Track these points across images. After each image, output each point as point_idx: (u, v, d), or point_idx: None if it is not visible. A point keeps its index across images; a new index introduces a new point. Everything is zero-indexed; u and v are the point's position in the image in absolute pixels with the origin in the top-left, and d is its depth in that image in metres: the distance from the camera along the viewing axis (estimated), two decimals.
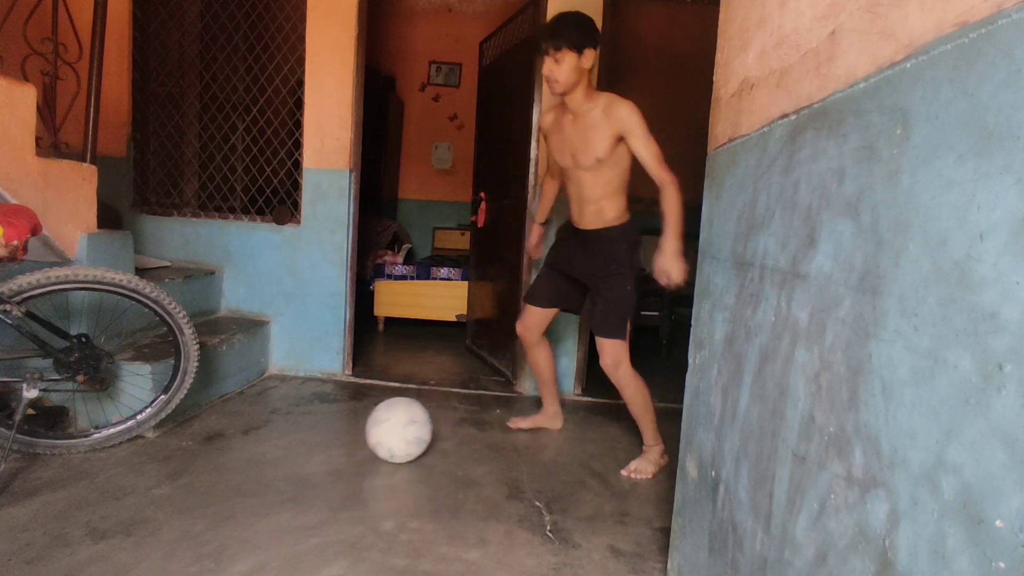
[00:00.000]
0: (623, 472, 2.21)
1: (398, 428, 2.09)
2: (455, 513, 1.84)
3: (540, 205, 2.58)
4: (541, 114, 2.33)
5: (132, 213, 3.23)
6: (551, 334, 3.12)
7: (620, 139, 2.10)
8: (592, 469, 2.25)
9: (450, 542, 1.68)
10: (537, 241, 2.60)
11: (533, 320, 2.45)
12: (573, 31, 2.03)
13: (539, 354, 2.51)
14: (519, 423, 2.62)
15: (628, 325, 2.25)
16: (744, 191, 1.12)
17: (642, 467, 2.22)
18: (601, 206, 2.23)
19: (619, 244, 2.25)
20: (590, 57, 2.06)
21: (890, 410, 0.64)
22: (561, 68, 2.04)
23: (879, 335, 0.66)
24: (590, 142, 2.12)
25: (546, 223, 2.62)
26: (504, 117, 3.45)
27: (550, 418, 2.63)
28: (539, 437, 2.55)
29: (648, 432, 2.28)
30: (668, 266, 1.99)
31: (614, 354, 2.21)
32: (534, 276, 3.10)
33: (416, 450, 2.14)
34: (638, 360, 4.01)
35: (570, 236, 2.37)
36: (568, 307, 2.49)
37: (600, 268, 2.26)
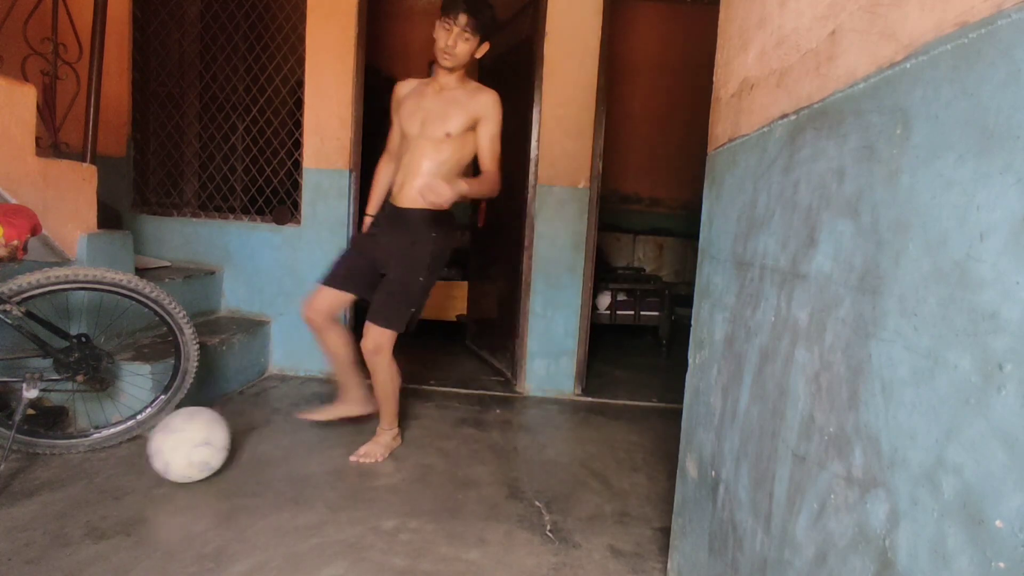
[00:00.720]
0: (352, 458, 2.14)
1: (186, 445, 1.82)
2: (455, 513, 1.84)
3: (373, 192, 2.34)
4: (397, 84, 2.25)
5: (132, 213, 3.23)
6: (550, 333, 3.13)
7: (473, 127, 2.13)
8: (592, 469, 2.25)
9: (450, 542, 1.68)
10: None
11: (322, 303, 2.17)
12: (490, 20, 2.07)
13: (330, 338, 2.22)
14: (313, 416, 2.38)
15: (408, 318, 2.14)
16: (744, 191, 1.12)
17: (372, 450, 2.17)
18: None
19: (430, 231, 2.14)
20: (484, 49, 2.12)
21: (890, 410, 0.64)
22: (464, 46, 2.05)
23: (879, 335, 0.66)
24: (447, 115, 2.11)
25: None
26: (504, 117, 3.44)
27: (355, 404, 2.37)
28: (539, 437, 2.56)
29: (387, 417, 2.25)
30: (439, 187, 1.95)
31: (378, 341, 2.09)
32: (534, 273, 3.10)
33: (197, 475, 1.87)
34: (638, 360, 4.00)
35: (381, 217, 2.26)
36: (362, 293, 2.22)
37: (402, 250, 2.13)
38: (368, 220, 2.30)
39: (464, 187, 2.02)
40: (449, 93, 2.13)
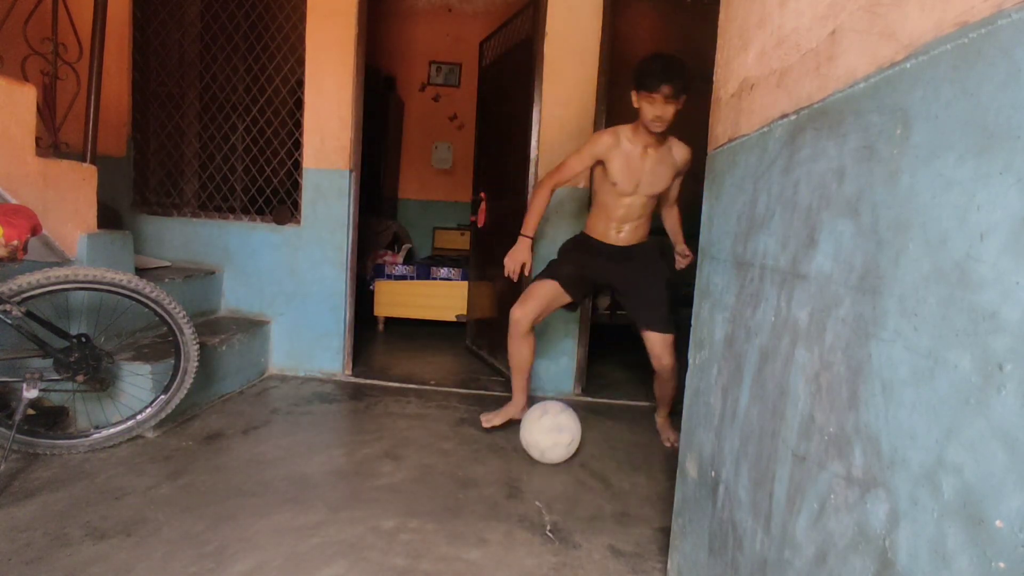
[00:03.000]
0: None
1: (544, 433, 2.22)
2: (455, 513, 1.84)
3: (532, 215, 2.37)
4: (601, 135, 2.33)
5: (132, 213, 3.23)
6: (550, 333, 3.13)
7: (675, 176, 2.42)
8: (592, 469, 2.25)
9: (450, 542, 1.68)
10: (529, 255, 2.37)
11: (540, 302, 2.37)
12: (686, 79, 2.15)
13: (525, 346, 2.43)
14: (492, 420, 2.53)
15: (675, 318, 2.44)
16: (744, 191, 1.12)
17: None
18: (641, 224, 2.46)
19: (655, 249, 2.52)
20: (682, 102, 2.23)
21: (890, 410, 0.64)
22: (672, 109, 2.17)
23: (879, 335, 0.66)
24: (662, 177, 2.34)
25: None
26: (504, 117, 3.45)
27: (521, 410, 2.56)
28: None
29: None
30: (684, 261, 2.60)
31: (670, 343, 2.40)
32: (534, 272, 3.10)
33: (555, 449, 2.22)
34: (638, 360, 4.00)
35: (599, 254, 2.48)
36: (578, 299, 2.52)
37: (645, 274, 2.46)
38: (527, 242, 2.36)
39: (680, 238, 2.62)
40: (655, 152, 2.31)
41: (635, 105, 2.21)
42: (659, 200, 2.47)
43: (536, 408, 2.28)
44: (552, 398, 3.08)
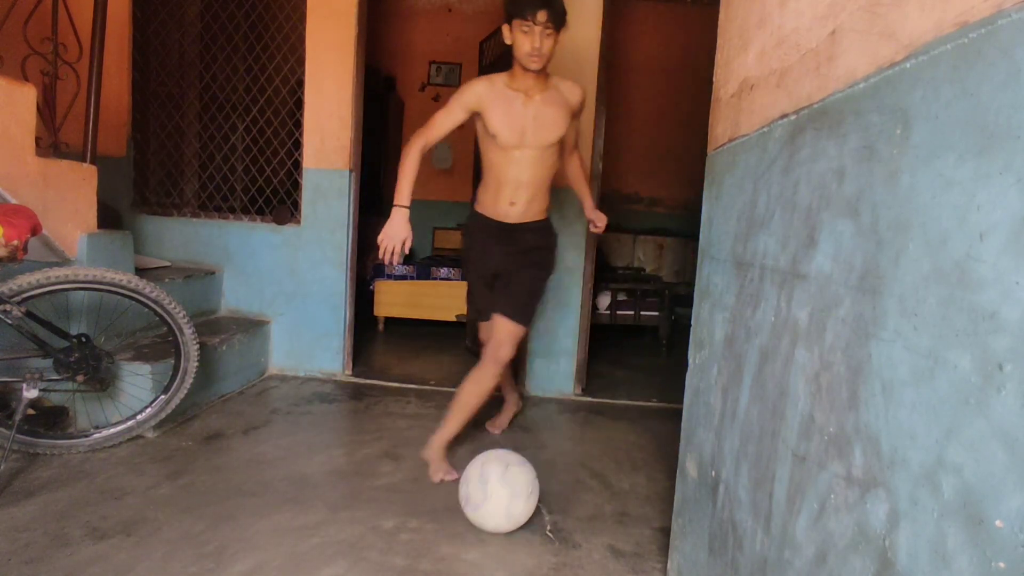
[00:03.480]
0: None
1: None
2: (455, 513, 1.84)
3: (403, 182, 1.98)
4: (473, 83, 2.03)
5: (132, 213, 3.23)
6: (550, 333, 3.13)
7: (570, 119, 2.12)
8: (592, 469, 2.25)
9: (450, 542, 1.68)
10: (407, 229, 1.95)
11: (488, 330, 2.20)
12: (563, 10, 1.94)
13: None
14: (500, 425, 2.55)
15: (534, 313, 2.21)
16: (744, 191, 1.12)
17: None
18: (539, 194, 2.13)
19: (550, 238, 2.24)
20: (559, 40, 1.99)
21: (890, 410, 0.64)
22: (549, 43, 1.93)
23: (879, 335, 0.66)
24: (554, 121, 2.04)
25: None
26: None
27: (516, 403, 2.70)
28: (539, 437, 2.55)
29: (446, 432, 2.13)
30: (596, 216, 2.36)
31: (515, 336, 2.09)
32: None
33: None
34: (638, 360, 3.98)
35: (490, 235, 2.15)
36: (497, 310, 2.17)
37: (530, 258, 2.17)
38: (403, 212, 1.96)
39: (587, 196, 2.39)
40: (542, 96, 2.03)
41: (508, 41, 1.97)
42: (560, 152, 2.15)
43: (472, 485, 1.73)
44: (553, 398, 3.08)
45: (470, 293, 2.31)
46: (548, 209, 2.20)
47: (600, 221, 2.35)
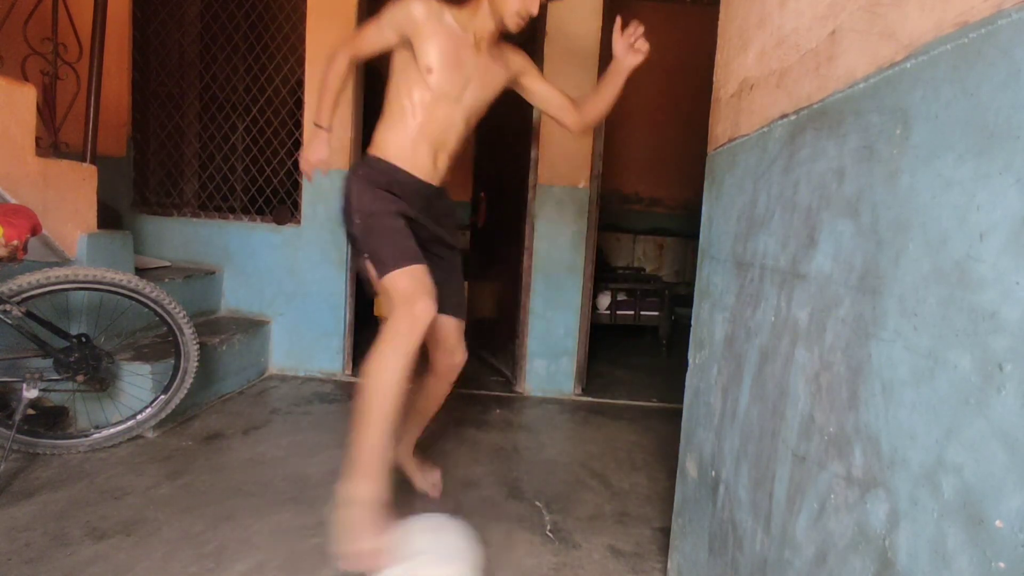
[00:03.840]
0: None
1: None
2: (455, 513, 1.84)
3: (328, 97, 1.72)
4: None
5: (132, 213, 3.23)
6: (550, 333, 3.13)
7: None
8: (592, 469, 2.25)
9: None
10: (325, 151, 1.74)
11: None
12: None
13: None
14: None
15: None
16: (744, 191, 1.12)
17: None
18: (454, 158, 1.77)
19: (453, 207, 1.85)
20: None
21: (890, 410, 0.64)
22: (539, 3, 1.59)
23: (879, 335, 0.66)
24: (495, 83, 1.73)
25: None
26: (504, 117, 3.44)
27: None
28: (539, 437, 2.56)
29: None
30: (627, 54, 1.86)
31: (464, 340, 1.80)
32: (534, 273, 3.09)
33: None
34: (638, 360, 3.98)
35: (407, 192, 1.66)
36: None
37: (450, 235, 1.81)
38: (323, 135, 1.73)
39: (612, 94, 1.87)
40: (490, 52, 1.69)
41: None
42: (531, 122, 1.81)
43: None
44: (553, 398, 3.09)
45: (400, 239, 1.60)
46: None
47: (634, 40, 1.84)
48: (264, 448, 2.21)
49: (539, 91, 1.84)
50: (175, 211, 3.26)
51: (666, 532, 1.69)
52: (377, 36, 1.67)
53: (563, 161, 3.04)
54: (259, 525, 1.68)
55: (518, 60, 1.79)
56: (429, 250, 1.71)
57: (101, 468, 1.96)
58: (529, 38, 3.09)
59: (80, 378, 1.98)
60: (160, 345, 2.41)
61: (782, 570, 0.86)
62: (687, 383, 1.42)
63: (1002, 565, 0.48)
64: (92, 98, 2.40)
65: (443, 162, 1.72)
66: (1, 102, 1.95)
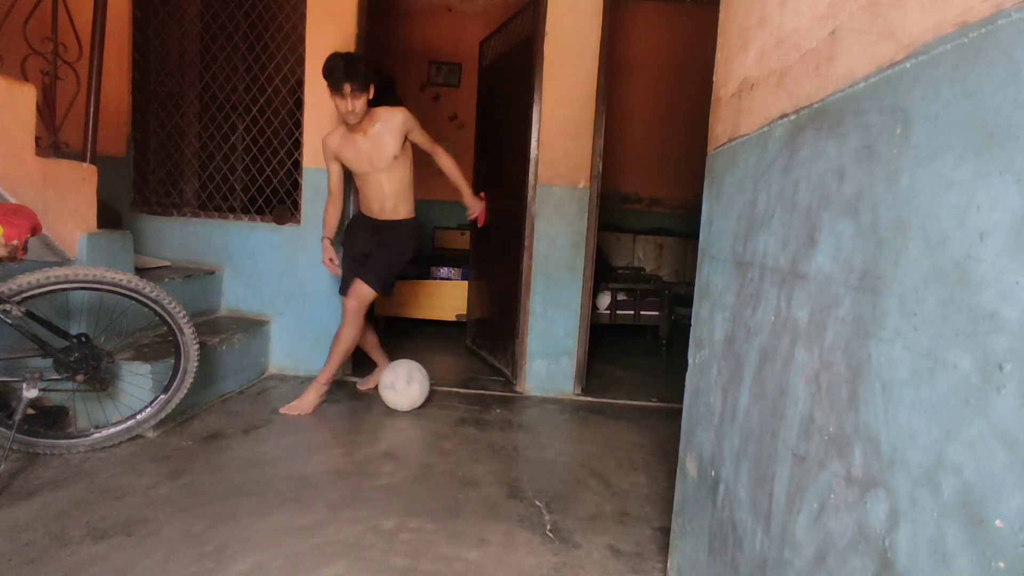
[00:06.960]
0: (282, 410, 2.59)
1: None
2: (455, 513, 1.84)
3: (328, 224, 2.77)
4: (326, 138, 2.66)
5: (132, 213, 3.23)
6: (550, 333, 3.13)
7: (404, 138, 2.63)
8: (592, 469, 2.25)
9: (450, 542, 1.68)
10: (333, 256, 2.79)
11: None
12: (366, 71, 2.40)
13: (368, 329, 2.89)
14: (367, 385, 3.01)
15: (391, 284, 2.74)
16: (744, 191, 1.12)
17: (302, 404, 2.63)
18: (401, 200, 2.72)
19: (410, 232, 2.77)
20: (372, 91, 2.47)
21: (890, 410, 0.64)
22: (360, 103, 2.43)
23: (879, 335, 0.66)
24: (384, 146, 2.58)
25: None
26: (504, 117, 3.45)
27: (384, 364, 2.97)
28: (539, 437, 2.56)
29: (329, 371, 2.69)
30: (472, 204, 2.96)
31: (363, 297, 2.63)
32: (534, 273, 3.10)
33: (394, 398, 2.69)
34: (638, 360, 4.00)
35: (363, 227, 2.78)
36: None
37: (392, 244, 2.72)
38: (326, 242, 2.77)
39: (464, 188, 2.90)
40: (371, 130, 2.57)
41: (333, 101, 2.47)
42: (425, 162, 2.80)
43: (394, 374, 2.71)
44: (553, 398, 3.09)
45: (344, 268, 2.78)
46: (413, 210, 2.77)
47: (475, 210, 2.98)
48: (264, 448, 2.21)
49: (415, 138, 2.70)
50: (175, 211, 3.26)
51: (666, 532, 1.69)
52: (332, 169, 2.71)
53: (563, 161, 3.04)
54: (259, 525, 1.69)
55: (398, 118, 2.59)
56: (365, 253, 2.75)
57: (101, 468, 1.96)
58: (529, 38, 3.10)
59: (80, 378, 1.98)
60: (160, 345, 2.41)
61: (782, 570, 0.86)
62: (687, 383, 1.42)
63: (1002, 565, 0.48)
64: (92, 98, 2.40)
65: (389, 206, 2.72)
66: (1, 102, 1.94)
